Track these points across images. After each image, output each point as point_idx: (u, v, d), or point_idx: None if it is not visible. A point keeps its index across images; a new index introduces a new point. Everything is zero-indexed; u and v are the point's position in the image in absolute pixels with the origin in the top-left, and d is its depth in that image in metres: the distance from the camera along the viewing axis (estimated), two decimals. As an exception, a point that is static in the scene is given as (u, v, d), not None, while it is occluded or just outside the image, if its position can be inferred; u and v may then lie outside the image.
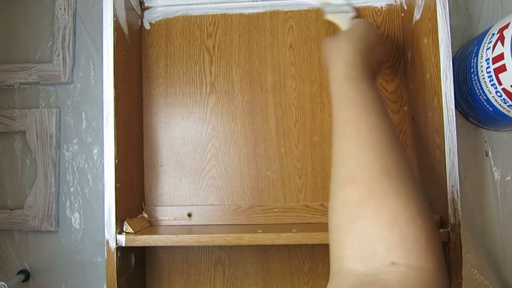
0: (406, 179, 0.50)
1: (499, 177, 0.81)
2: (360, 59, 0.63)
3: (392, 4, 0.82)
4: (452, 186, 0.64)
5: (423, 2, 0.70)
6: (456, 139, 0.64)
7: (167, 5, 0.84)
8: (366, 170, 0.50)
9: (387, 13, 0.82)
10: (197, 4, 0.84)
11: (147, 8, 0.84)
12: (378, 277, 0.43)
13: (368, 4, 0.82)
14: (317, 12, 0.82)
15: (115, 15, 0.70)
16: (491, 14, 0.83)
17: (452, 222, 0.64)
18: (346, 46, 0.65)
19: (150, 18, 0.85)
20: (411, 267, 0.43)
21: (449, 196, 0.64)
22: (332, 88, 0.61)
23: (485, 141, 0.81)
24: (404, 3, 0.80)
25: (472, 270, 0.80)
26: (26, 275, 0.84)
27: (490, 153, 0.81)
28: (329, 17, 0.78)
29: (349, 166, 0.52)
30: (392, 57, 0.81)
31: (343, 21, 0.77)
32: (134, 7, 0.80)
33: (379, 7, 0.82)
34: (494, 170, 0.81)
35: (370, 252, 0.45)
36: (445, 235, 0.64)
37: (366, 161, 0.51)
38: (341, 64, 0.63)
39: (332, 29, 0.82)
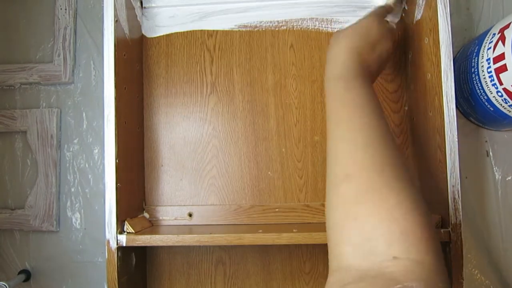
0: (400, 175, 0.51)
1: (500, 177, 0.81)
2: (355, 57, 0.62)
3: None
4: (453, 186, 0.64)
5: (423, 2, 0.70)
6: (457, 139, 0.64)
7: (166, 6, 0.84)
8: (360, 168, 0.51)
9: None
10: (196, 4, 0.84)
11: (147, 8, 0.85)
12: (381, 271, 0.44)
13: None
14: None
15: (115, 15, 0.70)
16: (492, 14, 0.83)
17: (453, 222, 0.64)
18: (342, 44, 0.64)
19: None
20: (412, 260, 0.44)
21: (450, 196, 0.64)
22: (326, 87, 0.62)
23: (486, 141, 0.81)
24: (405, 2, 0.80)
25: (473, 270, 0.80)
26: (27, 275, 0.84)
27: (491, 153, 0.81)
28: None
29: (343, 164, 0.53)
30: (393, 57, 0.81)
31: None
32: (135, 7, 0.80)
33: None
34: (495, 170, 0.81)
35: (370, 248, 0.46)
36: (446, 235, 0.64)
37: (360, 158, 0.52)
38: (335, 64, 0.63)
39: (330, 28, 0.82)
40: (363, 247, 0.47)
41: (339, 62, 0.62)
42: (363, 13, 0.81)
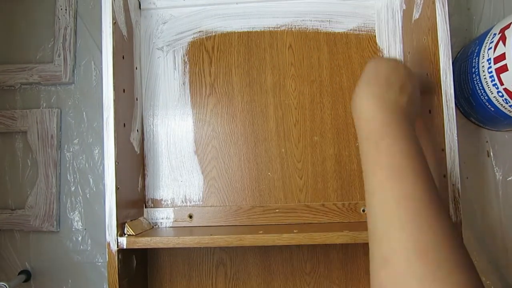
0: (446, 258, 0.43)
1: (501, 177, 0.80)
2: (378, 108, 0.53)
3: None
4: (453, 185, 0.64)
5: (422, 1, 0.70)
6: (456, 138, 0.64)
7: (165, 7, 0.84)
8: (398, 251, 0.44)
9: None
10: (194, 6, 0.84)
11: (145, 10, 0.84)
12: None
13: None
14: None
15: (114, 18, 0.70)
16: (493, 14, 0.82)
17: (453, 221, 0.64)
18: (360, 97, 0.56)
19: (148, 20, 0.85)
20: None
21: (450, 194, 0.64)
22: (360, 149, 0.54)
23: (487, 142, 0.81)
24: (403, 2, 0.79)
25: (474, 270, 0.80)
26: (27, 275, 0.84)
27: (491, 154, 0.81)
28: None
29: (381, 245, 0.46)
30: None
31: None
32: (133, 9, 0.80)
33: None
34: (495, 171, 0.80)
35: None
36: (446, 235, 0.64)
37: (397, 240, 0.45)
38: (359, 122, 0.55)
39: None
40: None
41: (362, 119, 0.55)
42: (362, 12, 0.81)
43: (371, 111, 0.54)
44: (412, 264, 0.43)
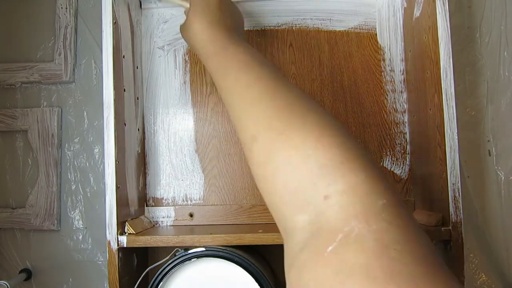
0: (300, 110, 0.47)
1: (503, 176, 0.80)
2: (214, 28, 0.61)
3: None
4: (453, 184, 0.64)
5: (422, -1, 0.70)
6: (457, 137, 0.64)
7: (165, 6, 0.84)
8: (260, 124, 0.48)
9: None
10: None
11: (146, 9, 0.84)
12: (319, 219, 0.39)
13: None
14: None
15: (114, 17, 0.70)
16: (494, 12, 0.82)
17: (453, 221, 0.64)
18: (195, 26, 0.62)
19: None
20: (341, 191, 0.39)
21: (450, 194, 0.64)
22: (207, 68, 0.61)
23: (488, 141, 0.81)
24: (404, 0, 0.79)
25: (475, 269, 0.80)
26: (28, 274, 0.84)
27: (493, 153, 0.81)
28: None
29: (245, 127, 0.50)
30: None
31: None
32: (134, 8, 0.80)
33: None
34: (497, 170, 0.80)
35: (302, 198, 0.41)
36: (446, 233, 0.64)
37: (255, 114, 0.49)
38: (201, 44, 0.62)
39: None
40: (296, 201, 0.42)
41: (204, 41, 0.61)
42: (363, 10, 0.81)
43: (210, 33, 0.61)
44: (272, 127, 0.46)
